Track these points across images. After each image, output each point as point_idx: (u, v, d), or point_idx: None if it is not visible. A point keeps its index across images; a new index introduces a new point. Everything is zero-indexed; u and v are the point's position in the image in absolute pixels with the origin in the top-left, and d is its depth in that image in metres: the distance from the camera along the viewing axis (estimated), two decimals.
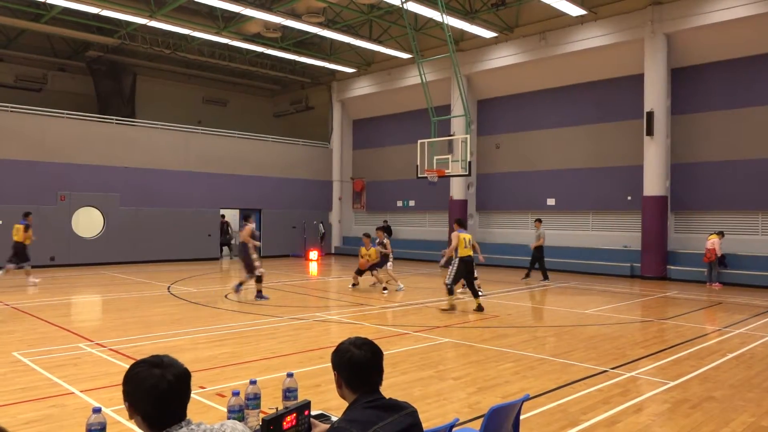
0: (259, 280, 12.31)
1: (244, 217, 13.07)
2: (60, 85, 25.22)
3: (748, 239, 16.89)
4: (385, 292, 13.91)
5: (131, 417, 1.93)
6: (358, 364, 2.34)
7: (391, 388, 5.77)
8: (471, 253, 11.17)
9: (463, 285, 13.39)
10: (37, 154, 19.46)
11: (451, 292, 11.08)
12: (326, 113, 28.50)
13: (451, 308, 11.08)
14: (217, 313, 10.89)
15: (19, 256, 14.47)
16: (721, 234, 16.07)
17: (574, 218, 20.72)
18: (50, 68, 24.94)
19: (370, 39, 21.92)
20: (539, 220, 17.54)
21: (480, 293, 13.06)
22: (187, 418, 1.92)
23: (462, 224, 11.54)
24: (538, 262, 16.88)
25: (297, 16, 19.25)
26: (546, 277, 16.73)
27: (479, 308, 11.01)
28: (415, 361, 7.17)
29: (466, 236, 11.14)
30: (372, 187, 27.61)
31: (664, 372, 6.73)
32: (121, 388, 1.96)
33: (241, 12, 18.45)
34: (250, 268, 12.31)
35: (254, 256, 12.28)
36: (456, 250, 11.06)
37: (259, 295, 12.37)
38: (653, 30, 17.35)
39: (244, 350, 7.71)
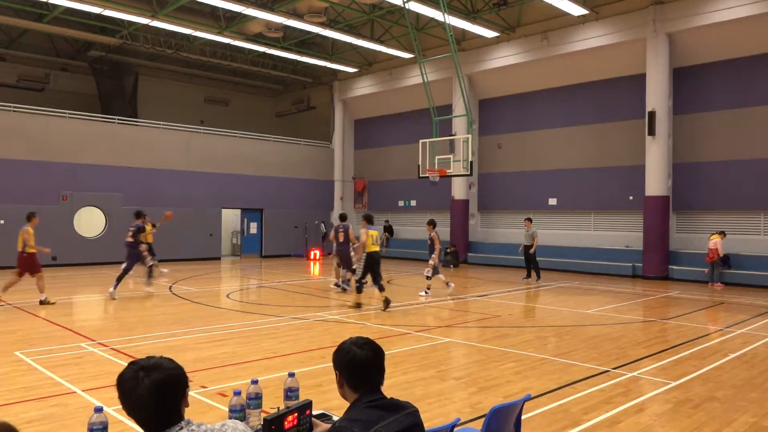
0: (354, 272, 13.39)
1: (342, 217, 13.75)
2: (62, 84, 25.25)
3: (750, 239, 16.86)
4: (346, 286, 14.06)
5: (129, 416, 1.93)
6: (359, 363, 2.34)
7: (392, 387, 5.76)
8: (378, 249, 11.66)
9: (430, 287, 13.44)
10: (40, 153, 19.49)
11: (359, 289, 11.43)
12: (328, 113, 28.51)
13: (357, 306, 11.27)
14: (219, 312, 10.90)
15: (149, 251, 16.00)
16: (722, 234, 16.04)
17: (575, 218, 20.70)
18: (52, 68, 24.96)
19: (371, 39, 21.92)
20: (529, 219, 17.47)
21: (424, 293, 13.22)
22: (188, 418, 1.92)
23: (370, 221, 11.99)
24: (530, 260, 16.84)
25: (299, 16, 19.26)
26: (538, 276, 16.77)
27: (387, 302, 11.17)
28: (416, 360, 7.16)
29: (373, 233, 11.68)
30: (373, 187, 27.61)
31: (666, 372, 6.72)
32: None
33: (243, 12, 18.46)
34: (349, 264, 13.46)
35: (353, 254, 13.24)
36: (364, 245, 11.52)
37: (345, 283, 13.82)
38: (655, 30, 17.33)
39: (246, 350, 7.72)
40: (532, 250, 16.67)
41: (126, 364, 1.94)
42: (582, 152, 20.31)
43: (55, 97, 24.27)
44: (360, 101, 27.27)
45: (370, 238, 11.53)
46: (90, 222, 20.61)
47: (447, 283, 13.64)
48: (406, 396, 4.79)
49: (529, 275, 16.98)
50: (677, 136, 17.98)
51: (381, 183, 27.15)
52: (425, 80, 17.85)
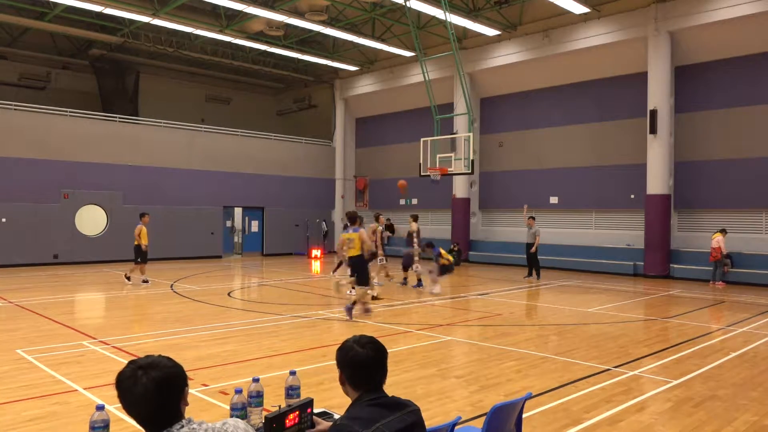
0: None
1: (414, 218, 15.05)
2: (63, 83, 25.25)
3: (751, 238, 16.83)
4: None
5: (129, 415, 1.91)
6: (361, 362, 2.34)
7: (393, 386, 5.76)
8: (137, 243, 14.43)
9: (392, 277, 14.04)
10: (41, 152, 19.50)
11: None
12: (329, 111, 28.51)
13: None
14: (220, 311, 10.91)
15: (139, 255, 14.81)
16: (723, 231, 16.00)
17: (577, 217, 20.69)
18: (54, 66, 24.96)
19: (372, 37, 21.89)
20: (533, 218, 17.45)
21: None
22: (188, 416, 1.92)
23: (141, 218, 14.52)
24: (532, 259, 16.82)
25: (300, 14, 19.24)
26: (537, 275, 16.74)
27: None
28: (417, 359, 7.17)
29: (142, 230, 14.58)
30: (375, 186, 27.60)
31: (667, 371, 6.72)
32: None
33: (244, 10, 18.44)
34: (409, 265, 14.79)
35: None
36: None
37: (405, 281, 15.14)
38: (657, 28, 17.30)
39: (247, 348, 7.73)
40: (533, 249, 16.63)
41: (126, 363, 1.94)
42: (583, 151, 20.28)
43: (56, 96, 24.27)
44: (361, 99, 27.26)
45: (144, 235, 14.54)
46: (91, 220, 20.63)
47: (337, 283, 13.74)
48: (407, 394, 4.79)
49: (530, 274, 16.96)
50: (679, 135, 17.95)
51: (382, 181, 27.13)
52: (426, 78, 17.84)
